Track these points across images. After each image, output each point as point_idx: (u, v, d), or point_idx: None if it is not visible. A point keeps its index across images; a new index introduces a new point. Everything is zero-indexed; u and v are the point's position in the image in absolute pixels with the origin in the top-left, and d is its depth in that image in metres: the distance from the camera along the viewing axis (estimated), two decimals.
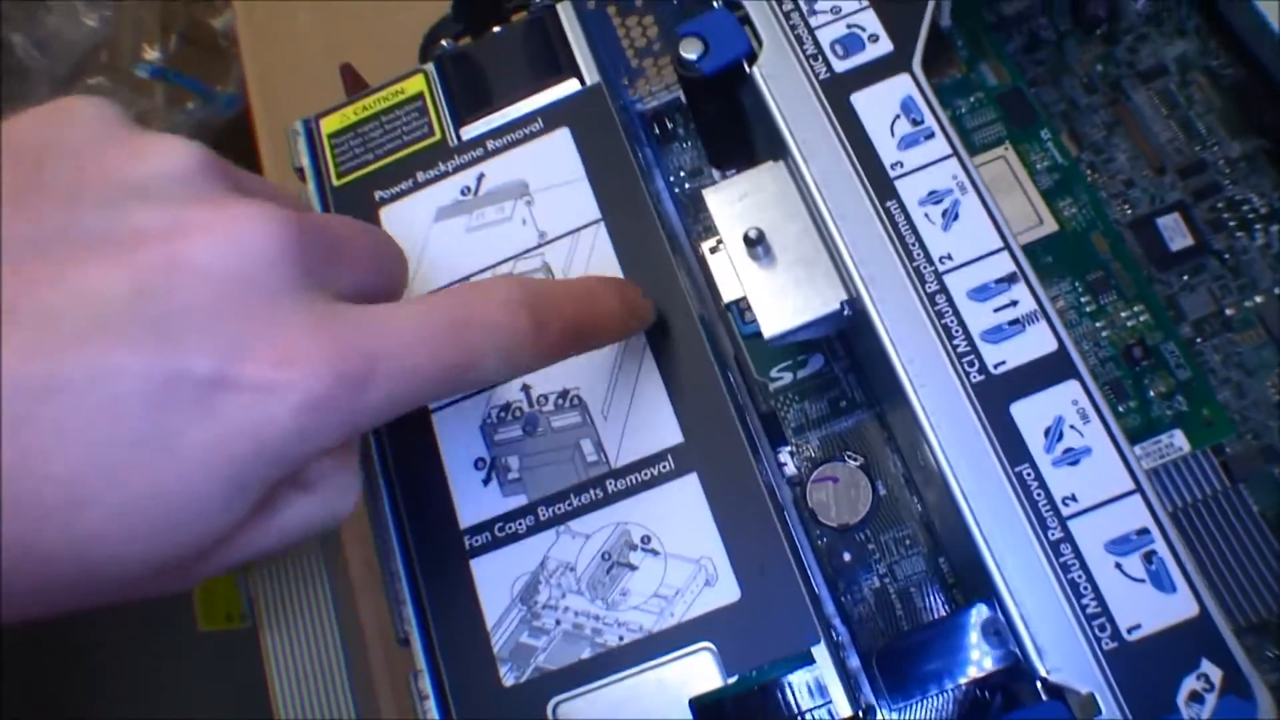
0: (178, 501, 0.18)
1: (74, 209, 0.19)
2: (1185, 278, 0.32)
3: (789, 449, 0.32)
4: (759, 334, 0.32)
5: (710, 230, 0.36)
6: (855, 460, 0.31)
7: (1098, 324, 0.29)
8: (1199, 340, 0.31)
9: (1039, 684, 0.23)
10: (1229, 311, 0.31)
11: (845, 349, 0.33)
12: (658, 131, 0.37)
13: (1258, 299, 0.31)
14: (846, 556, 0.31)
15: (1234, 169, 0.33)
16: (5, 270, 0.17)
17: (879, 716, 0.26)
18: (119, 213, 0.19)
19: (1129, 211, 0.33)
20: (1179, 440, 0.27)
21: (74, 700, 0.86)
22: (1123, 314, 0.30)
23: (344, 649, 0.55)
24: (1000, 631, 0.24)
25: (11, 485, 0.17)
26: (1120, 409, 0.28)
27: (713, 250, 0.35)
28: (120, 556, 0.18)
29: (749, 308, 0.34)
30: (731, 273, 0.31)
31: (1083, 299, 0.30)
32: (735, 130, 0.31)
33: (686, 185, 0.36)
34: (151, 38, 0.88)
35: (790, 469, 0.32)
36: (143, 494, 0.18)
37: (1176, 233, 0.32)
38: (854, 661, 0.26)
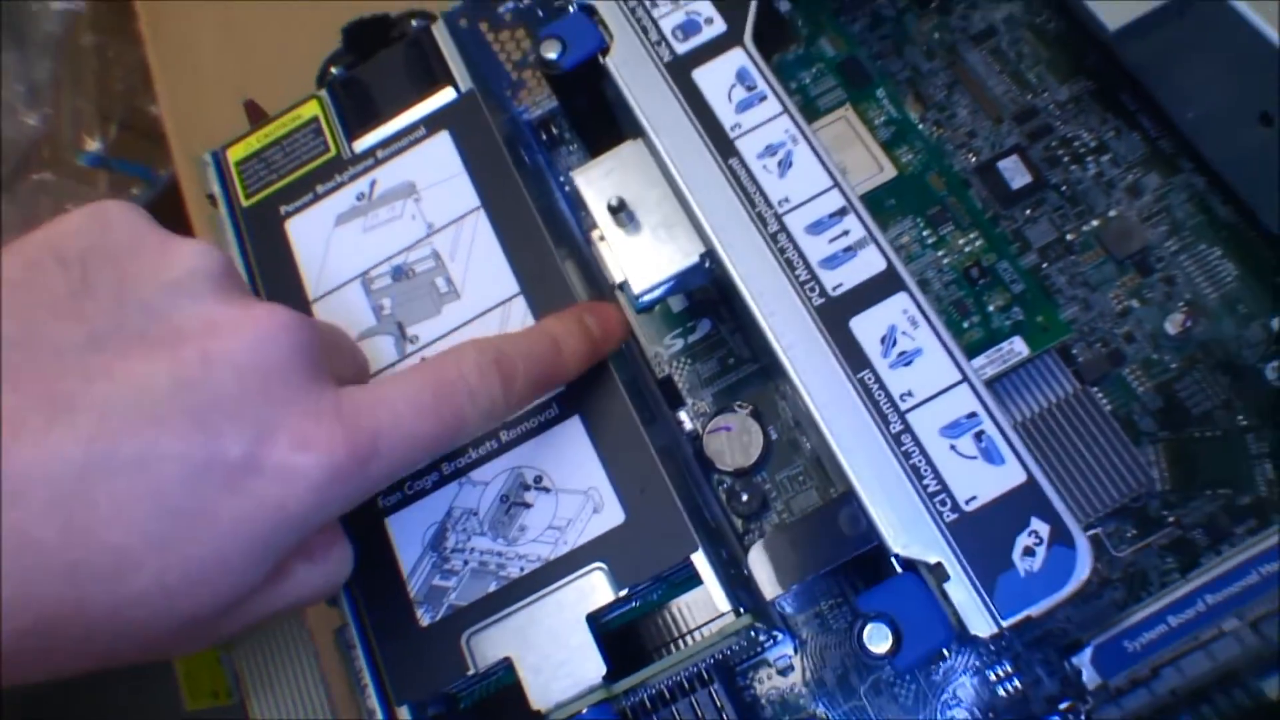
0: (210, 566, 0.21)
1: (120, 309, 0.21)
2: (1028, 211, 0.35)
3: (686, 409, 0.35)
4: (649, 308, 0.35)
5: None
6: (744, 409, 0.34)
7: (939, 252, 0.32)
8: (1045, 265, 0.34)
9: (894, 560, 0.25)
10: (1070, 236, 0.34)
11: (729, 311, 0.36)
12: (545, 138, 0.40)
13: (1094, 223, 0.34)
14: (745, 497, 0.33)
15: (1063, 110, 0.36)
16: (68, 367, 0.20)
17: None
18: (158, 312, 0.22)
19: (973, 159, 0.36)
20: (1019, 345, 0.30)
21: None
22: (960, 241, 0.33)
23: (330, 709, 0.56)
24: (857, 518, 0.26)
25: (70, 553, 0.19)
26: (965, 324, 0.31)
27: (601, 238, 0.38)
28: (155, 616, 0.20)
29: None
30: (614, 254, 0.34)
31: (924, 233, 0.33)
32: (604, 120, 0.34)
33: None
34: (91, 129, 0.92)
35: (688, 425, 0.35)
36: (181, 560, 0.20)
37: (1017, 172, 0.35)
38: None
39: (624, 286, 0.37)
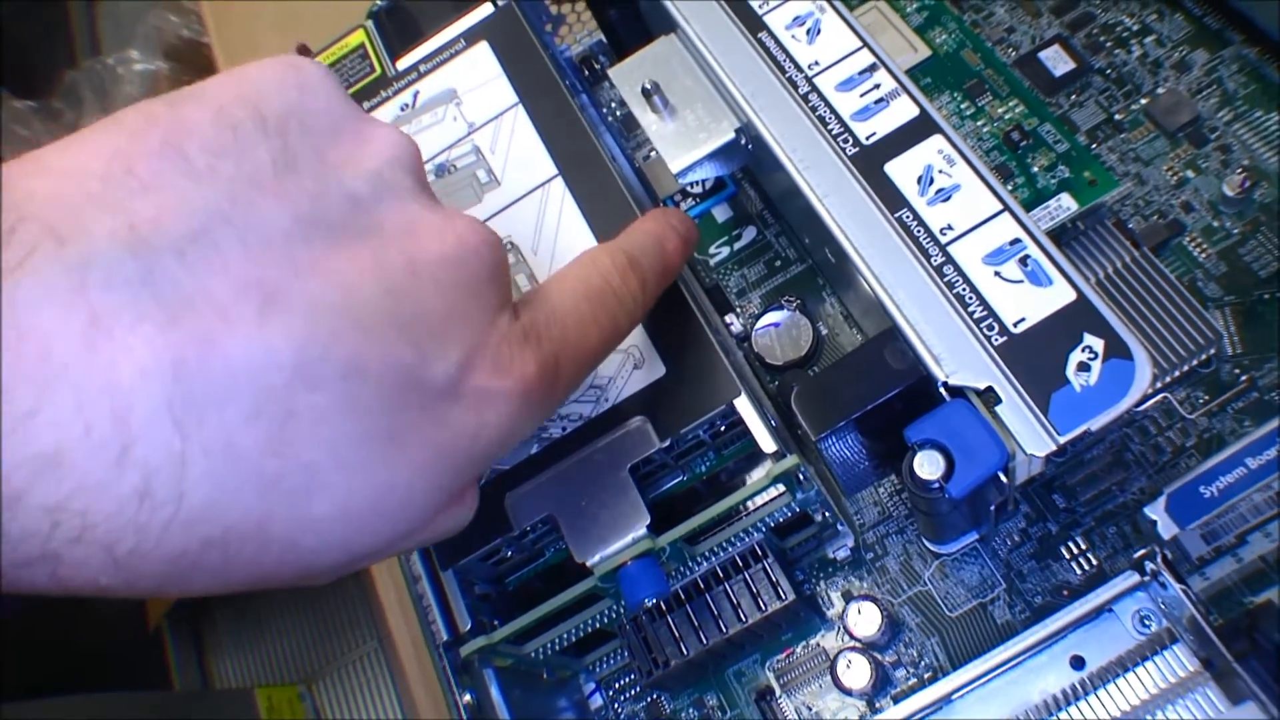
0: (395, 498, 0.18)
1: (323, 194, 0.19)
2: (1073, 96, 0.34)
3: (734, 312, 0.35)
4: (695, 220, 0.35)
5: (643, 144, 0.39)
6: (792, 303, 0.34)
7: (978, 122, 0.32)
8: (1094, 146, 0.33)
9: (943, 390, 0.24)
10: (1118, 116, 0.33)
11: (775, 215, 0.36)
12: (588, 74, 0.41)
13: (1143, 100, 0.33)
14: (796, 388, 0.33)
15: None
16: (276, 255, 0.17)
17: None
18: (361, 203, 0.19)
19: (1013, 54, 0.35)
20: (1066, 201, 0.29)
21: None
22: (999, 110, 0.32)
23: None
24: (903, 352, 0.25)
25: (267, 466, 0.16)
26: (1009, 187, 0.30)
27: (646, 158, 0.39)
28: (327, 543, 0.18)
29: (683, 199, 0.37)
30: (663, 169, 0.34)
31: (962, 105, 0.32)
32: (637, 27, 0.35)
33: (619, 113, 0.40)
34: None
35: (737, 327, 0.34)
36: (369, 487, 0.18)
37: (1059, 61, 0.35)
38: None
39: (670, 200, 0.37)
